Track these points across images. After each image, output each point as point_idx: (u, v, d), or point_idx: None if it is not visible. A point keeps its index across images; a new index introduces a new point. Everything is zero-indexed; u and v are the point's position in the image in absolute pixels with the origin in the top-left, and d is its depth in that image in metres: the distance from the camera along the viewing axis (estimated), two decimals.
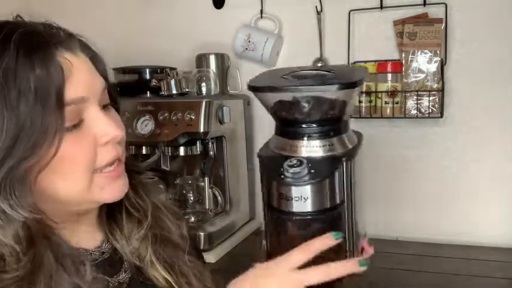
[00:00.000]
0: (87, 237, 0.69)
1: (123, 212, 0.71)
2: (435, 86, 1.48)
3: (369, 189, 1.60)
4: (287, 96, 0.65)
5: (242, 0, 1.69)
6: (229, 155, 1.55)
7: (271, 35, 1.64)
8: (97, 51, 0.67)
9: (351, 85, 0.63)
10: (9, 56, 0.54)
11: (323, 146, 0.65)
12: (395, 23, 1.54)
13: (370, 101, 1.53)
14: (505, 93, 1.48)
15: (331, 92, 0.62)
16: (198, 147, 1.48)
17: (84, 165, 0.60)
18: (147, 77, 1.58)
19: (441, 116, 1.49)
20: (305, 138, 0.65)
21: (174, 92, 1.48)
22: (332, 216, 0.65)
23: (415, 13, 1.51)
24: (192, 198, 1.60)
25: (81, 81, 0.59)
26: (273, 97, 0.66)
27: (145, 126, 1.39)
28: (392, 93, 1.51)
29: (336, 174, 0.64)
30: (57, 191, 0.60)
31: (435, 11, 1.50)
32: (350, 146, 0.66)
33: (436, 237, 1.54)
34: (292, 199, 0.63)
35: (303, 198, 0.63)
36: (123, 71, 1.60)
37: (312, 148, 0.65)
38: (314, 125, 0.65)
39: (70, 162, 0.59)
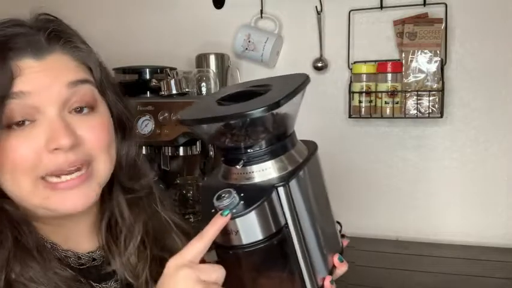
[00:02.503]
0: (78, 240, 0.68)
1: (118, 228, 0.69)
2: (435, 86, 1.48)
3: (369, 189, 1.61)
4: (215, 126, 0.61)
5: (242, 0, 1.69)
6: None
7: (271, 35, 1.64)
8: (92, 52, 0.66)
9: (275, 105, 0.57)
10: None
11: (259, 171, 0.61)
12: (395, 23, 1.54)
13: (370, 101, 1.53)
14: (505, 93, 1.48)
15: (259, 114, 0.57)
16: (198, 147, 1.48)
17: (24, 168, 0.58)
18: (147, 77, 1.58)
19: (441, 116, 1.49)
20: (238, 165, 0.61)
21: (174, 92, 1.48)
22: (271, 245, 0.60)
23: (415, 13, 1.51)
24: (192, 198, 1.60)
25: (30, 81, 0.59)
26: (204, 128, 0.63)
27: (145, 126, 1.39)
28: (392, 93, 1.51)
29: (266, 203, 0.59)
30: (5, 189, 0.60)
31: (435, 11, 1.50)
32: (288, 168, 0.62)
33: (436, 237, 1.54)
34: (225, 234, 0.59)
35: (233, 232, 0.59)
36: (123, 71, 1.60)
37: (245, 175, 0.61)
38: (247, 150, 0.61)
39: (12, 161, 0.58)
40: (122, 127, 0.70)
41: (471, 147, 1.53)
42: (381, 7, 1.55)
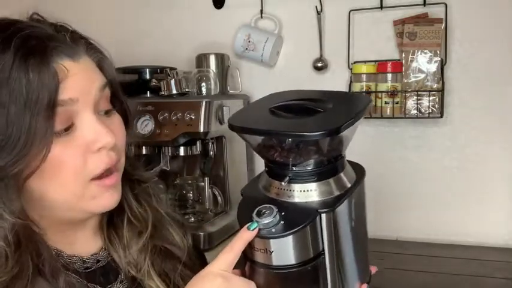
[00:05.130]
0: (83, 244, 0.68)
1: (125, 221, 0.70)
2: (435, 86, 1.48)
3: (369, 189, 1.60)
4: (267, 138, 0.59)
5: (242, 0, 1.69)
6: (229, 155, 1.55)
7: (271, 35, 1.64)
8: (107, 55, 0.67)
9: (335, 131, 0.54)
10: (6, 58, 0.54)
11: (303, 191, 0.58)
12: (395, 23, 1.54)
13: (370, 101, 1.53)
14: (505, 93, 1.48)
15: (318, 137, 0.55)
16: (198, 147, 1.48)
17: (73, 171, 0.58)
18: (147, 77, 1.58)
19: (441, 116, 1.49)
20: (284, 181, 0.58)
21: (174, 92, 1.48)
22: (304, 270, 0.58)
23: (415, 13, 1.51)
24: (192, 198, 1.60)
25: (74, 86, 0.58)
26: (254, 138, 0.60)
27: (145, 126, 1.39)
28: (392, 93, 1.51)
29: (308, 228, 0.57)
30: (45, 196, 0.59)
31: (435, 11, 1.50)
32: (335, 193, 0.59)
33: (436, 237, 1.54)
34: (257, 250, 0.58)
35: (268, 251, 0.57)
36: (123, 71, 1.60)
37: (289, 192, 0.58)
38: (295, 168, 0.58)
39: (59, 167, 0.57)
40: (125, 120, 0.70)
41: (471, 147, 1.53)
42: (381, 7, 1.55)
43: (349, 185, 0.61)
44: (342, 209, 0.59)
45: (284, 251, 0.57)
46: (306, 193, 0.59)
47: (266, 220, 0.56)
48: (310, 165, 0.59)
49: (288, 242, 0.56)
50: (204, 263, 0.79)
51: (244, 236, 0.58)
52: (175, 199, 1.57)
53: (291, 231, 0.56)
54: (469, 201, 1.54)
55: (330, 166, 0.60)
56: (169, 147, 1.46)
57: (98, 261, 0.68)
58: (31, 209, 0.59)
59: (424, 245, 1.51)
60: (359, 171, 0.65)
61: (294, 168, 0.59)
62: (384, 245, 1.51)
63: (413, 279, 1.29)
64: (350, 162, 0.65)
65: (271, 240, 0.56)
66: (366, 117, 1.56)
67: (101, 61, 0.65)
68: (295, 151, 0.58)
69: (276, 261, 0.57)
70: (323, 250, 0.59)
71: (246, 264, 0.62)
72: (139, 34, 1.83)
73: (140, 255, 0.69)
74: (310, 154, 0.58)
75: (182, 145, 1.45)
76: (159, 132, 1.38)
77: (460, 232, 1.53)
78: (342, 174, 0.61)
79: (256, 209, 0.57)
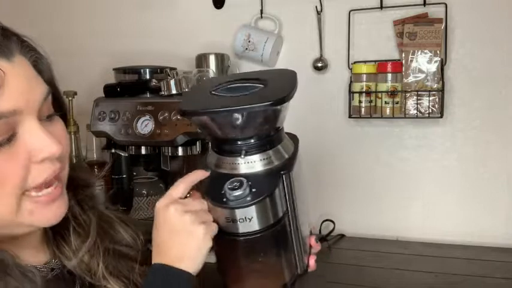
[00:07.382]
0: (33, 254, 0.65)
1: (71, 229, 0.67)
2: (435, 86, 1.48)
3: (369, 189, 1.61)
4: (221, 118, 0.63)
5: (242, 0, 1.69)
6: None
7: (271, 35, 1.64)
8: (43, 53, 0.62)
9: (280, 101, 0.61)
10: None
11: (260, 160, 0.65)
12: (395, 23, 1.54)
13: (370, 101, 1.53)
14: (505, 93, 1.48)
15: (274, 107, 0.61)
16: (198, 147, 1.48)
17: (12, 185, 0.54)
18: (147, 77, 1.57)
19: (441, 116, 1.49)
20: (241, 155, 0.64)
21: (174, 92, 1.48)
22: (277, 229, 0.65)
23: (415, 13, 1.51)
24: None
25: (14, 92, 0.53)
26: (202, 119, 0.65)
27: (145, 126, 1.39)
28: (392, 93, 1.51)
29: (277, 189, 0.63)
30: None
31: (435, 11, 1.50)
32: (286, 156, 0.66)
33: (436, 237, 1.54)
34: (237, 221, 0.62)
35: (247, 219, 0.62)
36: (123, 71, 1.60)
37: (249, 164, 0.64)
38: (249, 140, 0.64)
39: None
40: (64, 120, 0.67)
41: (471, 147, 1.53)
42: (381, 7, 1.55)
43: (293, 148, 0.69)
44: (293, 170, 0.66)
45: (263, 214, 0.63)
46: (264, 161, 0.65)
47: (239, 191, 0.61)
48: (261, 137, 0.65)
49: (265, 205, 0.63)
50: None
51: (199, 173, 0.67)
52: None
53: (269, 192, 0.62)
54: (468, 201, 1.54)
55: (277, 135, 0.67)
56: (169, 147, 1.46)
57: (52, 269, 0.66)
58: None
59: (424, 245, 1.51)
60: (292, 136, 0.72)
61: (249, 141, 0.65)
62: (384, 245, 1.51)
63: (413, 279, 1.29)
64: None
65: (252, 207, 0.62)
66: (365, 117, 1.56)
67: (37, 61, 0.60)
68: (247, 125, 0.63)
69: (256, 226, 0.63)
70: (287, 209, 0.65)
71: (219, 241, 0.65)
72: (139, 34, 1.83)
73: (92, 260, 0.67)
74: (260, 126, 0.64)
75: (182, 145, 1.45)
76: (159, 132, 1.38)
77: (460, 232, 1.53)
78: (286, 140, 0.68)
79: (227, 185, 0.63)
